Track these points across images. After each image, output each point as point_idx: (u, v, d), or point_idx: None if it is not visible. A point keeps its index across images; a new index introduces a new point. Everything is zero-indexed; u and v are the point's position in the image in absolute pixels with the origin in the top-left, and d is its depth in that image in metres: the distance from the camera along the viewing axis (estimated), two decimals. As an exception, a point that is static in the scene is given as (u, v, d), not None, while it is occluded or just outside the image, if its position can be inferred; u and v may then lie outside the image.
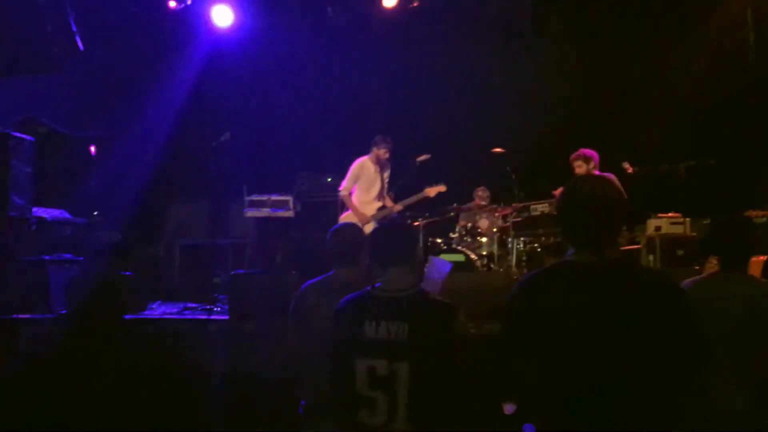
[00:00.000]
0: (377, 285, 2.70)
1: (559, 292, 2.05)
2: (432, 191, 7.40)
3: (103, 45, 8.44)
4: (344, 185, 7.44)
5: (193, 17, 8.84)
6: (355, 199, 7.42)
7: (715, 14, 8.04)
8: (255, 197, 8.05)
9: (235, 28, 8.93)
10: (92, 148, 8.89)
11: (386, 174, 7.54)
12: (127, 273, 6.25)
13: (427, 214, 8.00)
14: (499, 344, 2.19)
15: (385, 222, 2.78)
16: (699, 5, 8.05)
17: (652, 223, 6.93)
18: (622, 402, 1.92)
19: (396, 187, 7.63)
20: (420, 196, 7.42)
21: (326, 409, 2.90)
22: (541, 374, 2.02)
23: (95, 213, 8.35)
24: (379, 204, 7.44)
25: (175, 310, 6.67)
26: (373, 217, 7.31)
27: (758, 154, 7.75)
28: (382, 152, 7.37)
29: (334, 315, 2.75)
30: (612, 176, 5.88)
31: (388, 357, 2.50)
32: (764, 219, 6.38)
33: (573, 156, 6.90)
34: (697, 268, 6.03)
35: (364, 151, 7.51)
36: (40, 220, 6.85)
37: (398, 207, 7.41)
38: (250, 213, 8.04)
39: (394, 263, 2.69)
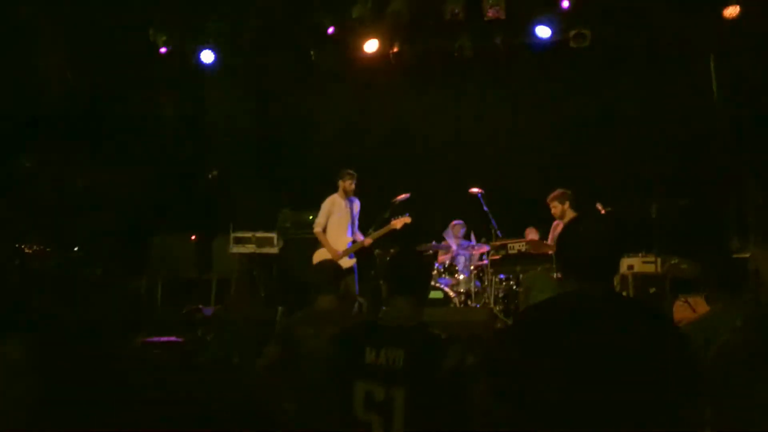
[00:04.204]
0: (382, 313, 2.79)
1: (564, 320, 2.16)
2: (398, 223, 7.35)
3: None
4: (318, 222, 7.47)
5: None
6: (329, 235, 7.43)
7: (681, 61, 8.39)
8: (240, 233, 8.19)
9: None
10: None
11: (356, 208, 7.60)
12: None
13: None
14: (499, 371, 2.25)
15: (407, 250, 2.89)
16: (665, 48, 8.37)
17: (625, 262, 7.15)
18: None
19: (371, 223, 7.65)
20: (387, 228, 7.37)
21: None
22: (550, 400, 2.08)
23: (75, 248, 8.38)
24: (350, 239, 7.44)
25: (159, 344, 6.71)
26: (345, 252, 7.33)
27: (726, 195, 8.07)
28: (348, 183, 7.46)
29: (335, 340, 2.83)
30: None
31: (385, 382, 2.59)
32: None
33: (549, 197, 7.10)
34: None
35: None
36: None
37: (368, 241, 7.40)
38: (236, 249, 8.17)
39: (403, 293, 2.78)
